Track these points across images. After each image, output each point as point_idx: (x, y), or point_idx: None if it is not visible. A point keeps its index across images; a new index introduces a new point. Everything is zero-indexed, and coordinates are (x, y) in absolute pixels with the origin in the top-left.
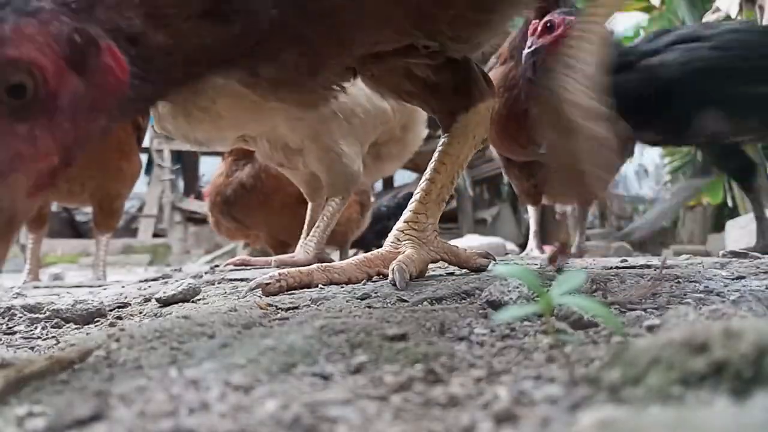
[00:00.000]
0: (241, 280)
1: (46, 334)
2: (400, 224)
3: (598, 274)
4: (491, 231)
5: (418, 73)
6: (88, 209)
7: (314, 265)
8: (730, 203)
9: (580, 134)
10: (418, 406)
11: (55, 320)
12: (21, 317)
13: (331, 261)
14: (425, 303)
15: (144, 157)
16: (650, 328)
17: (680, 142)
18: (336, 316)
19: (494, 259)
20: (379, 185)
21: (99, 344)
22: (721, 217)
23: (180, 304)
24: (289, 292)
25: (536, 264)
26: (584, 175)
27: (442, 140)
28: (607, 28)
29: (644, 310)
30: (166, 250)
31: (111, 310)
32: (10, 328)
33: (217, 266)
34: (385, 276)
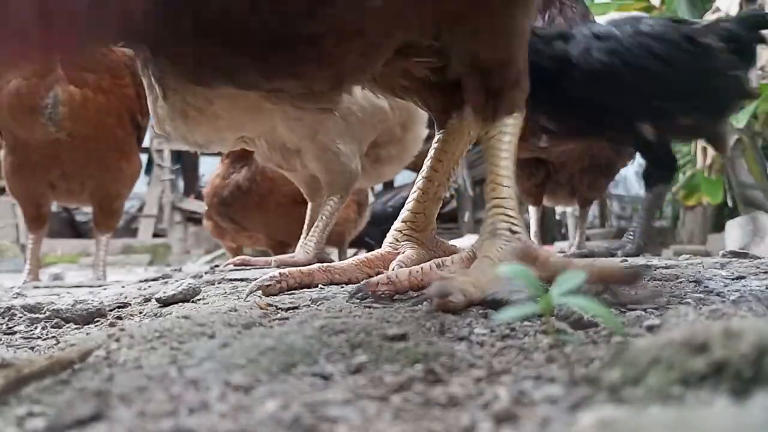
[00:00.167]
0: (241, 280)
1: (46, 334)
2: (398, 224)
3: None
4: None
5: (415, 72)
6: (88, 209)
7: (315, 265)
8: (730, 203)
9: None
10: (418, 406)
11: (55, 320)
12: (21, 317)
13: (332, 261)
14: (425, 303)
15: (144, 157)
16: (650, 328)
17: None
18: (336, 316)
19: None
20: (379, 185)
21: (99, 344)
22: (721, 217)
23: (180, 304)
24: (289, 292)
25: None
26: None
27: (437, 137)
28: None
29: (644, 310)
30: (166, 250)
31: (111, 310)
32: (10, 328)
33: (217, 266)
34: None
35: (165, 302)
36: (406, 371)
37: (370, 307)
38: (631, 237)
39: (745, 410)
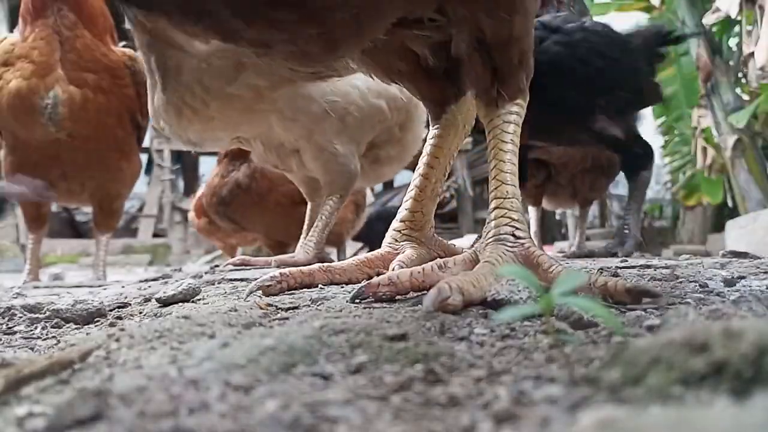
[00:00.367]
0: (241, 280)
1: (46, 334)
2: (396, 223)
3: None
4: None
5: (415, 48)
6: (88, 209)
7: (315, 265)
8: (730, 203)
9: None
10: (418, 406)
11: (55, 320)
12: (21, 317)
13: (332, 261)
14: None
15: (144, 157)
16: (650, 328)
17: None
18: (336, 316)
19: None
20: (378, 185)
21: (99, 344)
22: (721, 217)
23: (180, 304)
24: (289, 292)
25: None
26: None
27: (432, 132)
28: None
29: (644, 310)
30: (166, 250)
31: (111, 310)
32: (10, 328)
33: (217, 266)
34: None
35: (165, 302)
36: (406, 371)
37: (370, 307)
38: (626, 232)
39: (745, 410)
